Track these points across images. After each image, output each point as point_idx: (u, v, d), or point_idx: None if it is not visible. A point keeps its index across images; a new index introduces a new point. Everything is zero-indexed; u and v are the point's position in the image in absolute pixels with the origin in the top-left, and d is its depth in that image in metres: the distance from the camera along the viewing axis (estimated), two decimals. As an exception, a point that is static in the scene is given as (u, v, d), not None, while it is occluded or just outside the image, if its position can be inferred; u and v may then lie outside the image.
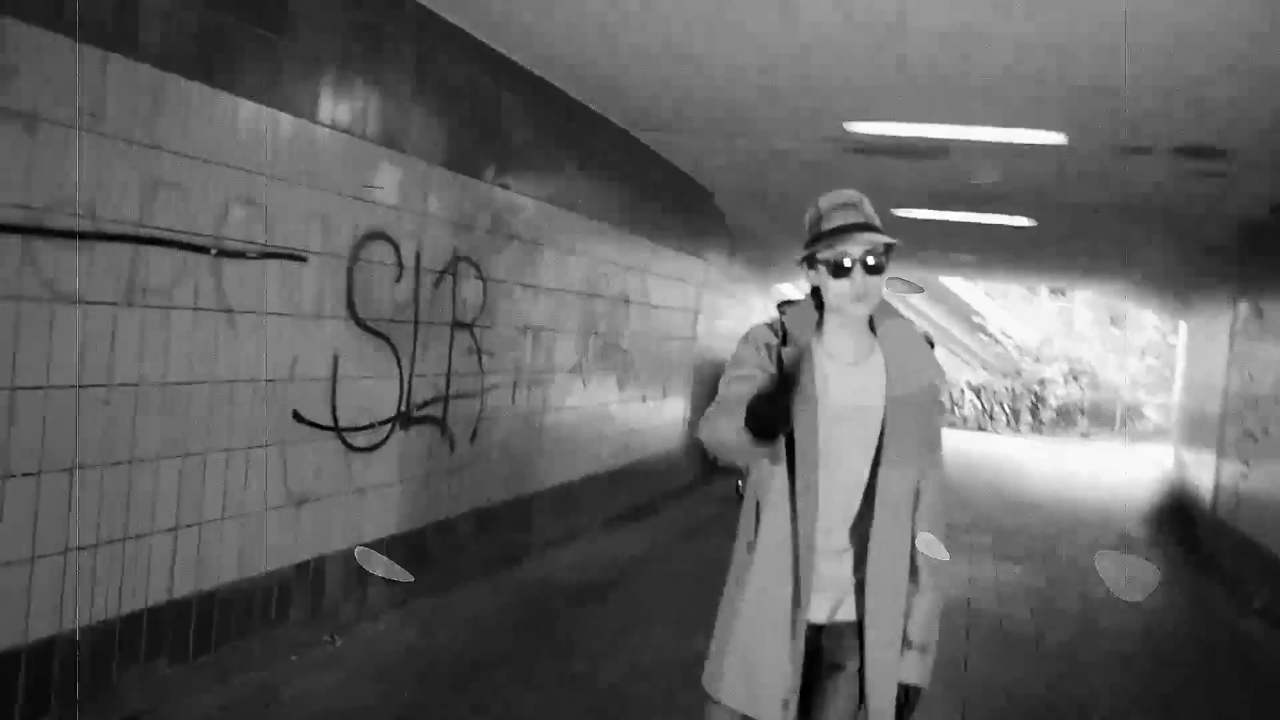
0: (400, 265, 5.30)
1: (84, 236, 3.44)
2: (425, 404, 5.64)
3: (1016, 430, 23.03)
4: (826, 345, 2.53)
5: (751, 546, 2.50)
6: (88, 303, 3.48)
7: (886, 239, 2.45)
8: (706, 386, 12.02)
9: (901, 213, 11.24)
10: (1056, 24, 4.83)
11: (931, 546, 2.53)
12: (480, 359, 6.22)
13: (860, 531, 2.48)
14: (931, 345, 2.62)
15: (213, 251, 4.01)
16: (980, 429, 22.76)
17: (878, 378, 2.52)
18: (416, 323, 5.48)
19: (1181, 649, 6.34)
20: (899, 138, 7.43)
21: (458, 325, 5.92)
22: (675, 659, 4.77)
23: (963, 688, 5.20)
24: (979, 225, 11.44)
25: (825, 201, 2.51)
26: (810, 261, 2.48)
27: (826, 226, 2.47)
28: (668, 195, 9.73)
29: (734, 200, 11.59)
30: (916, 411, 2.51)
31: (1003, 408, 23.19)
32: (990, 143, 7.27)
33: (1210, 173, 7.37)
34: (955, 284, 27.88)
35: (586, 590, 6.36)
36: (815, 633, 2.50)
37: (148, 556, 3.85)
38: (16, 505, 3.31)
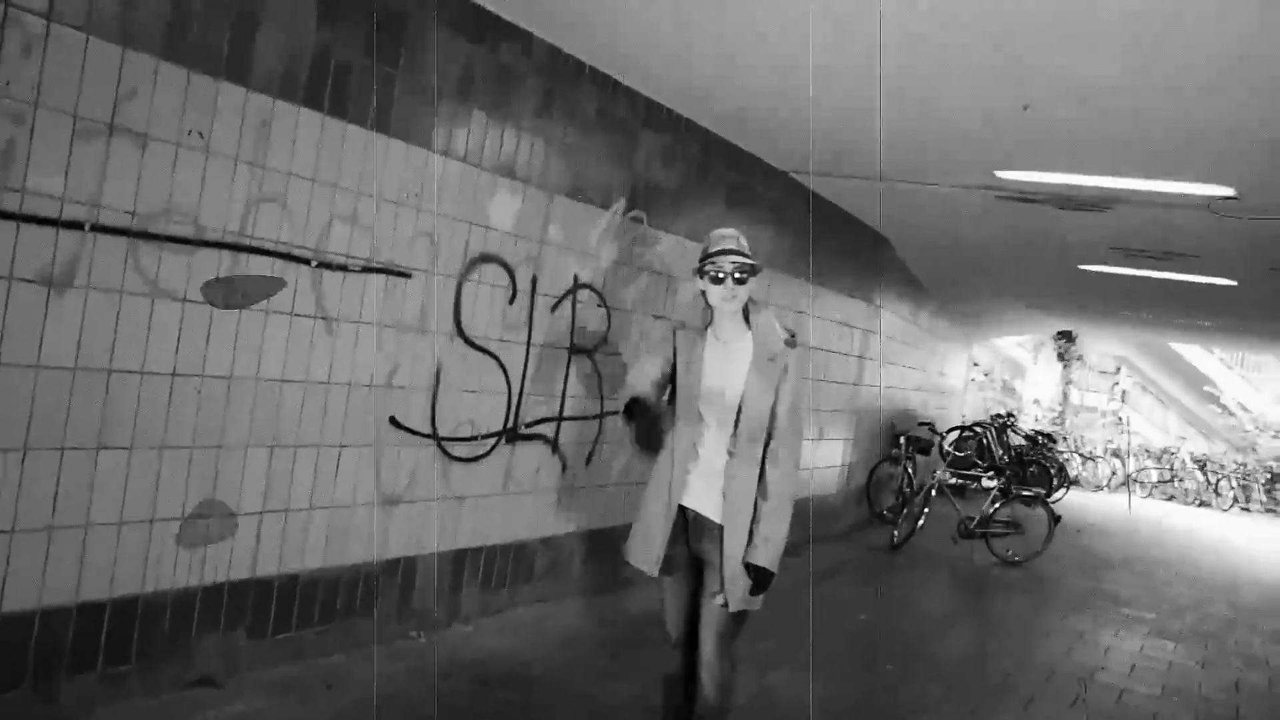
0: (514, 288, 5.59)
1: (185, 241, 3.88)
2: (535, 423, 5.89)
3: (1245, 508, 21.21)
4: (714, 330, 3.78)
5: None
6: (185, 300, 3.91)
7: (751, 261, 3.66)
8: (882, 440, 11.84)
9: (1090, 268, 10.78)
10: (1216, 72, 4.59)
11: (777, 471, 3.65)
12: (601, 384, 6.43)
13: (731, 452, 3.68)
14: (792, 341, 3.71)
15: (313, 263, 4.40)
16: (1202, 504, 21.11)
17: (747, 353, 3.72)
18: (529, 344, 5.75)
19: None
20: (1055, 186, 7.18)
21: (576, 350, 6.15)
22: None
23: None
24: (1179, 284, 10.79)
25: (713, 235, 3.75)
26: (701, 274, 3.69)
27: (711, 250, 3.69)
28: (834, 239, 9.70)
29: (914, 248, 11.40)
30: (769, 375, 3.67)
31: (1230, 483, 21.40)
32: (1155, 193, 6.92)
33: None
34: (1190, 352, 26.16)
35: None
36: (682, 513, 3.75)
37: (232, 534, 4.25)
38: (108, 475, 3.75)
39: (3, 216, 3.34)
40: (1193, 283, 10.46)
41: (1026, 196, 7.64)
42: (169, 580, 4.03)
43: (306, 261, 4.38)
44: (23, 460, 3.50)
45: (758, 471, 3.66)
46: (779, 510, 3.65)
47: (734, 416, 3.67)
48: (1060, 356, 23.82)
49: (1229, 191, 6.55)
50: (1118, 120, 5.51)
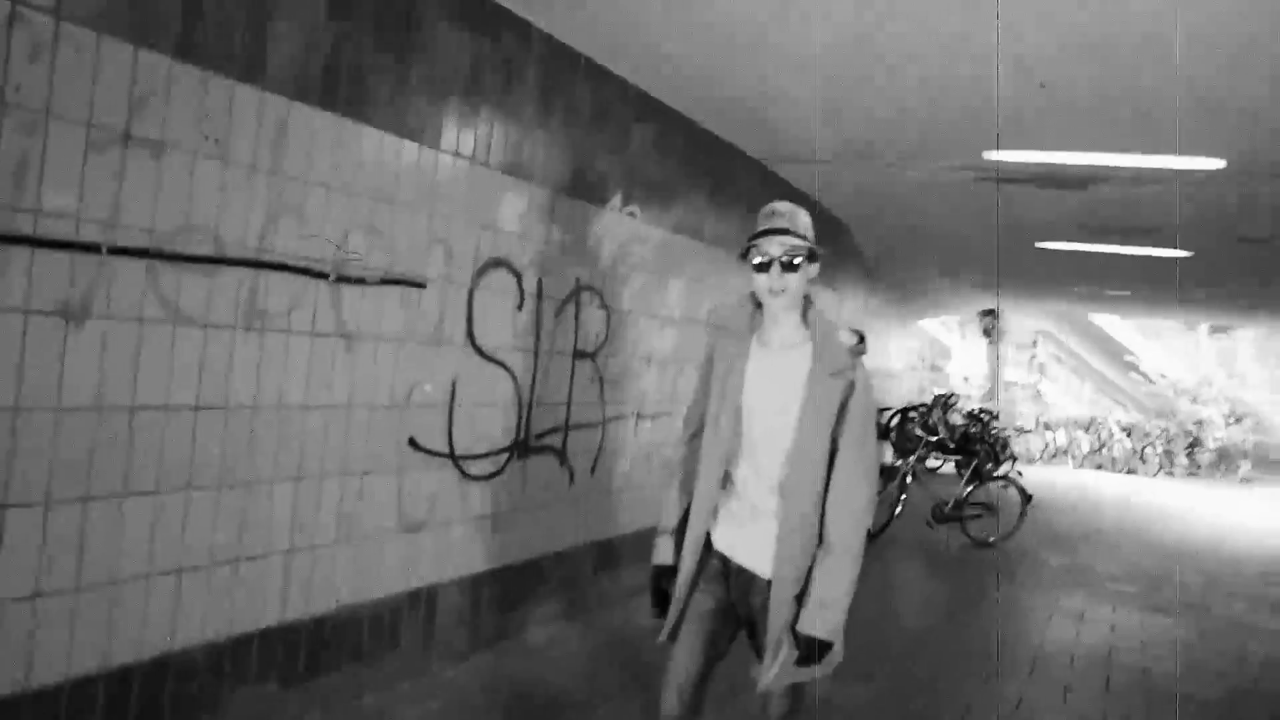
0: (521, 293, 5.28)
1: (206, 261, 3.50)
2: (544, 434, 5.60)
3: (1170, 473, 21.81)
4: (761, 335, 3.07)
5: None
6: (207, 325, 3.54)
7: (803, 244, 2.93)
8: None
9: (1047, 245, 10.81)
10: (1215, 46, 4.51)
11: (842, 517, 2.90)
12: (602, 389, 6.15)
13: (782, 490, 2.95)
14: (861, 349, 2.96)
15: (332, 277, 4.04)
16: (1130, 471, 21.65)
17: (803, 364, 2.94)
18: (537, 352, 5.45)
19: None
20: (1043, 165, 7.11)
21: (579, 355, 5.87)
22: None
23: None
24: (1131, 258, 10.91)
25: (761, 211, 3.02)
26: (744, 258, 3.01)
27: (756, 230, 2.97)
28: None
29: (871, 232, 11.33)
30: (832, 393, 2.89)
31: (1155, 449, 21.99)
32: (1142, 169, 6.89)
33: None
34: (1106, 321, 26.81)
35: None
36: (723, 562, 3.05)
37: (261, 579, 3.88)
38: (136, 523, 3.36)
39: (17, 241, 2.94)
40: (1147, 256, 10.58)
41: (1009, 177, 7.56)
42: (198, 635, 3.65)
43: (325, 276, 4.02)
44: (45, 516, 3.10)
45: (817, 516, 2.93)
46: (842, 565, 2.89)
47: (786, 446, 2.93)
48: (986, 333, 24.17)
49: (1220, 164, 6.54)
50: (1132, 95, 5.42)
